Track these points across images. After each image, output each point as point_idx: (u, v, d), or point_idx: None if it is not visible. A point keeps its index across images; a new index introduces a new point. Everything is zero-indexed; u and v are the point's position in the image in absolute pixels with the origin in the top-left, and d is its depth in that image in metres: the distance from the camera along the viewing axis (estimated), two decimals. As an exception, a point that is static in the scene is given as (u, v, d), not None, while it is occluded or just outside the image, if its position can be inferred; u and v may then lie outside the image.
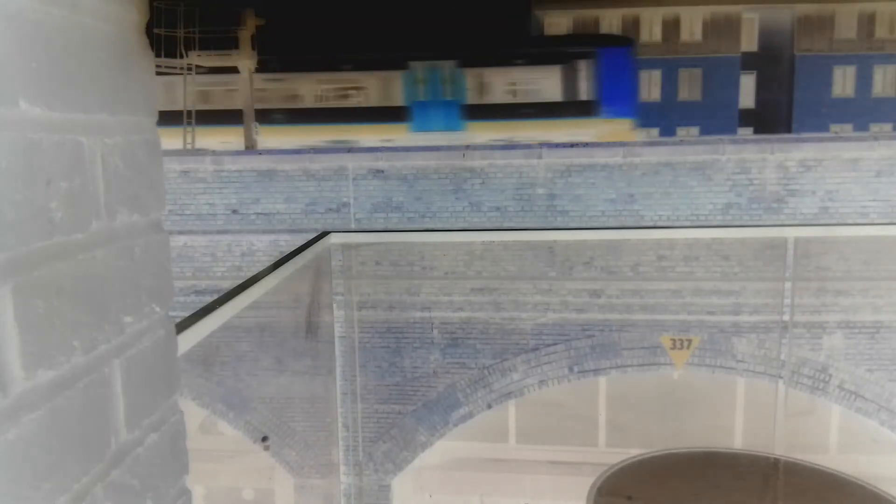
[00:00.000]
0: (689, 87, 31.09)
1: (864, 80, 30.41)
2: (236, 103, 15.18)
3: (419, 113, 16.01)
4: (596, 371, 8.87)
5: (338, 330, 5.65)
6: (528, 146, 9.67)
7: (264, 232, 9.16)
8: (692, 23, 29.78)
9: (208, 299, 1.98)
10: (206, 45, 13.90)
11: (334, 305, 5.48)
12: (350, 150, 9.41)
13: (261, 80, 15.61)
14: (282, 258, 2.65)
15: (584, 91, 15.66)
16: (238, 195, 9.20)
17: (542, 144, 9.26)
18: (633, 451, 3.21)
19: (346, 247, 4.29)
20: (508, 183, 8.85)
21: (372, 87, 16.31)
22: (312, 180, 9.11)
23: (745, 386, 8.97)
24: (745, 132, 29.75)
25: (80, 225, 0.68)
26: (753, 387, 8.70)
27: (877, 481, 2.92)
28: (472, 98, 16.01)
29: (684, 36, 30.39)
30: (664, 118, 31.20)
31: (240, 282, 2.21)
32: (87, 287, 0.69)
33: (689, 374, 8.72)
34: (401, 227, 8.97)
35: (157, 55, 12.73)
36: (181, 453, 0.88)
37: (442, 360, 8.97)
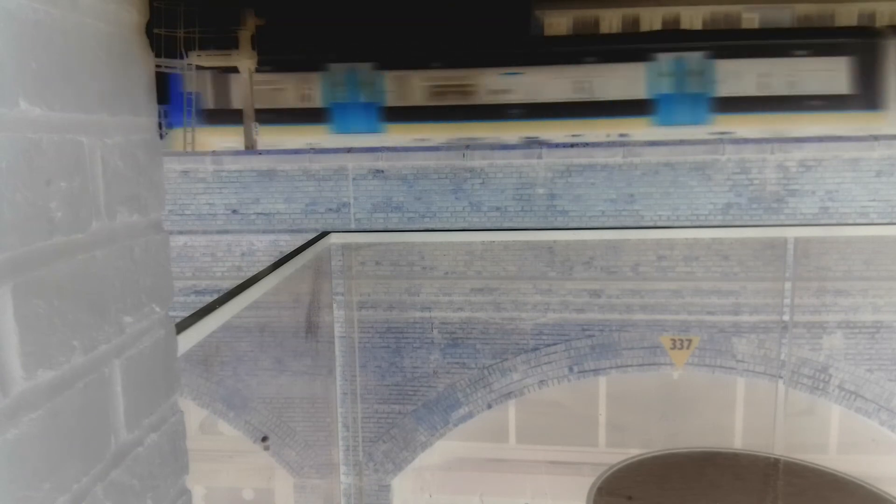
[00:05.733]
0: (689, 87, 31.04)
1: (864, 80, 30.38)
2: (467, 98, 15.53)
3: (665, 106, 15.50)
4: (596, 371, 8.87)
5: (338, 330, 5.65)
6: (527, 146, 9.66)
7: (264, 232, 9.16)
8: (692, 22, 29.76)
9: (208, 299, 1.98)
10: (206, 45, 13.92)
11: (334, 305, 5.48)
12: (350, 150, 9.40)
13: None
14: (282, 258, 2.65)
15: (870, 84, 14.89)
16: (238, 195, 9.20)
17: (542, 144, 9.26)
18: (633, 451, 3.21)
19: (346, 247, 4.29)
20: (508, 183, 8.85)
21: (612, 80, 15.71)
22: (312, 180, 9.10)
23: (745, 386, 8.97)
24: (745, 132, 29.72)
25: (80, 225, 0.68)
26: (753, 387, 8.70)
27: (877, 481, 2.92)
28: (722, 90, 15.36)
29: (684, 36, 30.33)
30: (664, 118, 31.17)
31: (240, 282, 2.21)
32: (87, 287, 0.69)
33: (689, 374, 8.72)
34: (401, 227, 8.97)
35: (157, 55, 12.73)
36: (181, 453, 0.88)
37: (442, 360, 8.97)
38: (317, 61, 15.96)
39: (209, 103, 15.88)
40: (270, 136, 14.72)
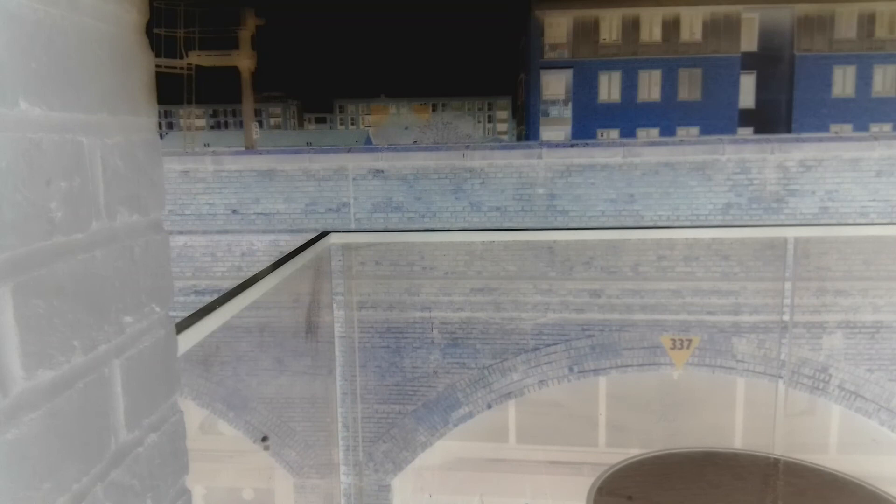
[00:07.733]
0: (689, 87, 31.09)
1: (864, 80, 30.44)
2: None
3: None
4: (596, 371, 8.87)
5: (338, 330, 5.65)
6: (527, 146, 9.66)
7: (264, 232, 9.16)
8: (692, 23, 29.75)
9: (208, 299, 1.98)
10: (206, 45, 13.93)
11: (334, 305, 5.48)
12: (350, 150, 9.40)
13: None
14: (282, 258, 2.65)
15: None
16: (238, 195, 9.20)
17: (542, 144, 9.26)
18: (633, 451, 3.21)
19: (346, 247, 4.28)
20: (508, 183, 8.85)
21: None
22: (312, 180, 9.11)
23: (745, 386, 8.97)
24: (745, 132, 29.77)
25: (80, 225, 0.68)
26: (753, 387, 8.70)
27: (877, 481, 2.91)
28: None
29: (684, 36, 30.40)
30: (664, 118, 31.19)
31: (240, 282, 2.21)
32: (87, 287, 0.69)
33: (689, 374, 8.72)
34: (401, 227, 8.97)
35: (157, 55, 12.74)
36: (181, 453, 0.88)
37: (442, 360, 8.97)
38: None
39: None
40: None
